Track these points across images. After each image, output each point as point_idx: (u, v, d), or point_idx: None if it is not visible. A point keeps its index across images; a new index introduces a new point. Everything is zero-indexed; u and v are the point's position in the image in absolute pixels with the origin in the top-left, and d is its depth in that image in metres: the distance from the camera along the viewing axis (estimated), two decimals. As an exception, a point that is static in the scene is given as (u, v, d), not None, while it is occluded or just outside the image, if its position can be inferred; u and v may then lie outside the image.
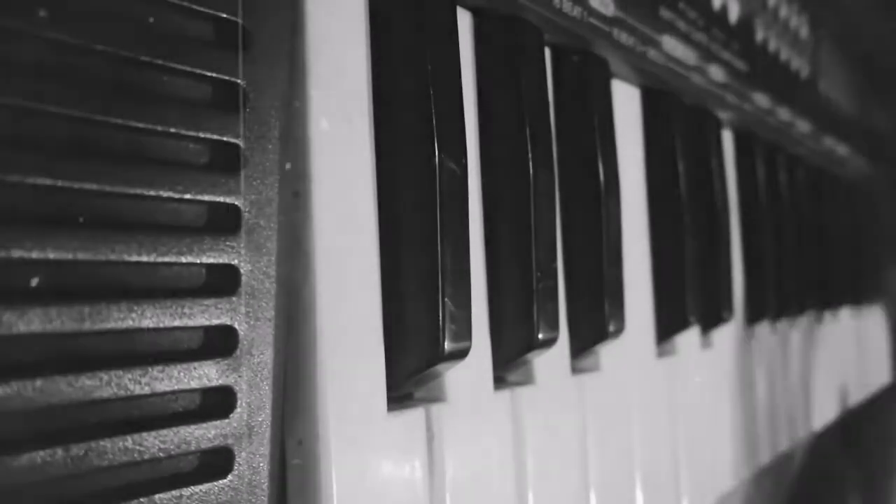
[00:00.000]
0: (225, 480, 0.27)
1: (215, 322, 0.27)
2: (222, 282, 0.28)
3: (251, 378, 0.28)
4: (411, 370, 0.34)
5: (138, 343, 0.25)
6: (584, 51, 0.47)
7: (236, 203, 0.28)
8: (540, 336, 0.40)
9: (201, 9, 0.27)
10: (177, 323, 0.26)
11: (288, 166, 0.30)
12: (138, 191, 0.25)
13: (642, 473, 0.51)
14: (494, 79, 0.41)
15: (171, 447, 0.26)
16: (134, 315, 0.25)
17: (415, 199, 0.34)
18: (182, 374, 0.26)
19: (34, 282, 0.23)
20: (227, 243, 0.27)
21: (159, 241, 0.26)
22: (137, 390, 0.25)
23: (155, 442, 0.25)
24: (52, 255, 0.23)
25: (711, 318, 0.60)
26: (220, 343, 0.27)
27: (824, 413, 0.87)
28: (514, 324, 0.40)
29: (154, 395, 0.25)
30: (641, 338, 0.53)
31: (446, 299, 0.33)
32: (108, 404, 0.24)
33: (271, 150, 0.29)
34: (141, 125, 0.25)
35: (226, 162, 0.28)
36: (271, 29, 0.29)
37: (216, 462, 0.27)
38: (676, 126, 0.55)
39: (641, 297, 0.53)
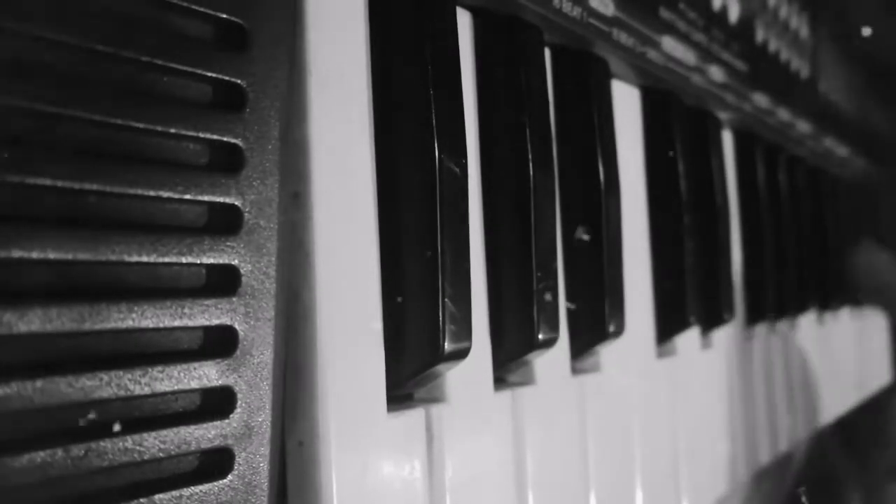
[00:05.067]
0: (225, 481, 0.27)
1: (215, 322, 0.27)
2: (222, 282, 0.28)
3: (251, 378, 0.28)
4: (411, 371, 0.34)
5: (138, 343, 0.25)
6: (584, 51, 0.47)
7: (236, 203, 0.28)
8: (540, 336, 0.40)
9: (201, 9, 0.27)
10: (177, 323, 0.26)
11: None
12: (138, 191, 0.25)
13: (642, 473, 0.51)
14: (494, 79, 0.41)
15: (171, 447, 0.25)
16: (134, 315, 0.25)
17: (415, 200, 0.34)
18: (182, 374, 0.26)
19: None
20: (228, 243, 0.27)
21: (159, 242, 0.26)
22: (137, 390, 0.25)
23: (155, 442, 0.25)
24: (52, 255, 0.23)
25: (711, 319, 0.60)
26: (219, 343, 0.27)
27: (824, 413, 0.87)
28: (515, 324, 0.40)
29: (154, 395, 0.25)
30: (641, 338, 0.53)
31: (446, 300, 0.33)
32: (108, 404, 0.24)
33: (271, 150, 0.29)
34: (141, 125, 0.25)
35: (226, 162, 0.28)
36: (271, 29, 0.29)
37: (216, 462, 0.27)
38: (676, 126, 0.55)
39: (641, 297, 0.53)
